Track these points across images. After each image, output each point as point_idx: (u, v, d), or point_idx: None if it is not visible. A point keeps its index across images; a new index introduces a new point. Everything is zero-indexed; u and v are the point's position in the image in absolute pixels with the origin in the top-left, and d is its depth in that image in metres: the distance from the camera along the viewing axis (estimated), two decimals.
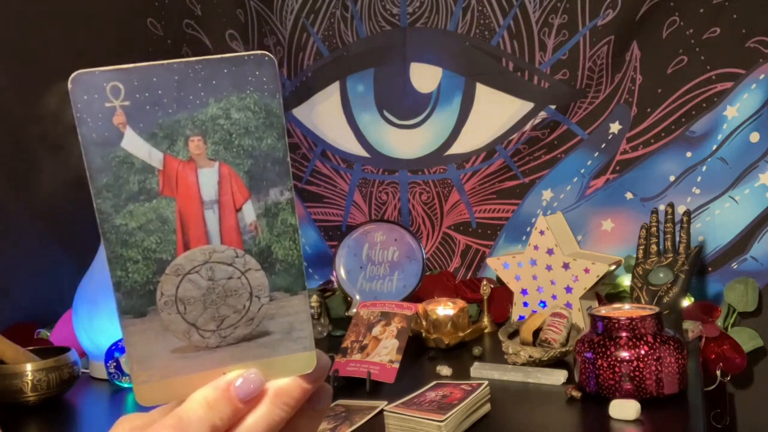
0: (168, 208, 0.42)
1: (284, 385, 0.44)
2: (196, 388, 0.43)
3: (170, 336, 0.43)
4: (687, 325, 1.67)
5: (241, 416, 0.43)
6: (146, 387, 0.43)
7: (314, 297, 1.91)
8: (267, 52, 0.42)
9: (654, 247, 1.73)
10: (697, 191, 1.83)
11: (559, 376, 1.42)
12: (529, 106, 1.92)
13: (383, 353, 1.46)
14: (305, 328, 0.45)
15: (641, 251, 1.75)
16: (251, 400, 0.43)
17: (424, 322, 1.74)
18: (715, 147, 1.81)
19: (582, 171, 1.92)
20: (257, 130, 0.42)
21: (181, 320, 0.43)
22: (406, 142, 2.04)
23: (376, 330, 1.52)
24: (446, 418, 1.14)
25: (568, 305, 1.73)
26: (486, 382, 1.29)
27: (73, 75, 0.41)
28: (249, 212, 0.43)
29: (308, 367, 0.46)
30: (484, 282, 1.87)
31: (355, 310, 1.74)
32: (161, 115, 0.41)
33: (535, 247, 1.78)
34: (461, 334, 1.71)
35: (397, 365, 1.43)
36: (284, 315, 0.44)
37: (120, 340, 1.56)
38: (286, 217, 0.43)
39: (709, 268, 1.83)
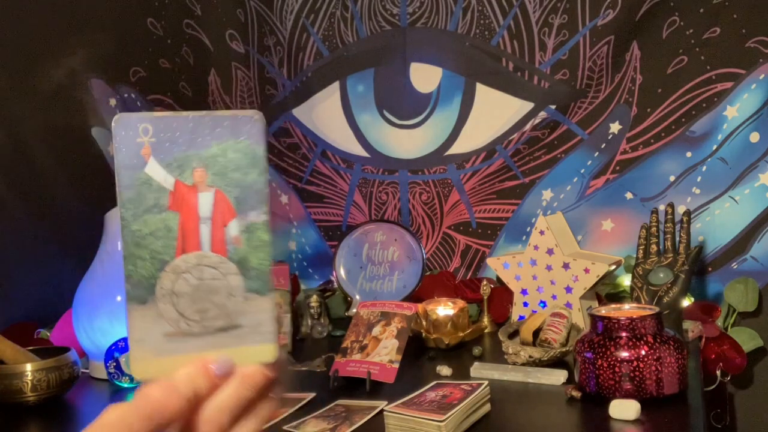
0: (173, 220, 0.55)
1: (251, 370, 0.54)
2: (181, 367, 0.54)
3: (163, 322, 0.55)
4: (687, 325, 1.67)
5: (215, 390, 0.53)
6: (141, 363, 0.55)
7: (314, 297, 1.91)
8: (258, 112, 0.56)
9: (654, 247, 1.73)
10: (697, 191, 1.83)
11: (559, 376, 1.42)
12: (529, 106, 1.92)
13: (383, 353, 1.46)
14: (270, 325, 0.56)
15: (641, 251, 1.75)
16: (224, 377, 0.53)
17: (424, 322, 1.74)
18: (715, 147, 1.81)
19: (582, 171, 1.92)
20: (245, 168, 0.56)
21: (173, 310, 0.55)
22: (406, 142, 2.04)
23: (376, 330, 1.52)
24: (446, 418, 1.14)
25: (568, 305, 1.73)
26: (486, 382, 1.29)
27: (117, 116, 0.54)
28: (234, 228, 0.56)
29: (270, 357, 0.56)
30: (484, 282, 1.87)
31: (355, 310, 1.74)
32: (176, 150, 0.55)
33: (535, 247, 1.78)
34: (461, 334, 1.71)
35: (397, 365, 1.43)
36: (254, 312, 0.56)
37: (120, 340, 1.56)
38: (261, 234, 0.56)
39: (709, 268, 1.83)
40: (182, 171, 0.55)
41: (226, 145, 0.55)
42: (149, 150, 0.55)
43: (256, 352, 0.55)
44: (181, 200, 0.55)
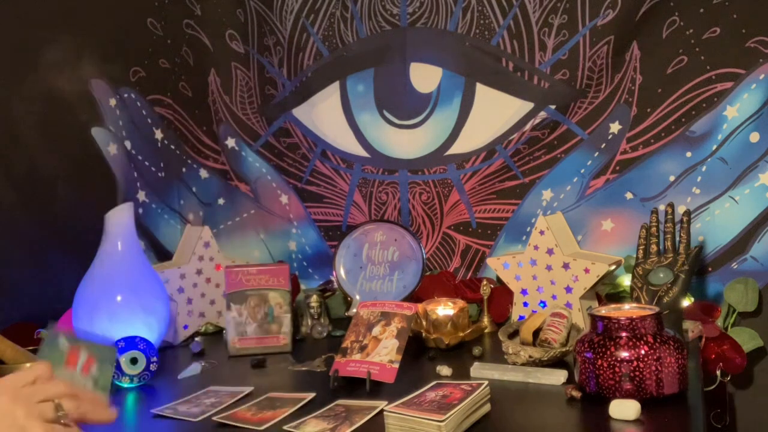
0: None
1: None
2: None
3: None
4: (687, 325, 1.67)
5: None
6: None
7: (314, 297, 1.91)
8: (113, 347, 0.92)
9: (654, 247, 1.73)
10: (697, 191, 1.83)
11: (559, 376, 1.42)
12: (529, 106, 1.92)
13: (383, 353, 1.46)
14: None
15: (641, 251, 1.75)
16: None
17: (424, 322, 1.74)
18: (715, 147, 1.81)
19: (582, 171, 1.92)
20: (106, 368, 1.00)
21: None
22: (406, 142, 2.04)
23: (376, 330, 1.52)
24: (446, 418, 1.14)
25: (568, 305, 1.73)
26: (486, 382, 1.29)
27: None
28: (94, 368, 1.00)
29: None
30: (484, 282, 1.87)
31: (355, 310, 1.74)
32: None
33: (535, 247, 1.78)
34: (461, 334, 1.71)
35: (397, 365, 1.43)
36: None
37: (119, 341, 1.56)
38: (106, 375, 1.01)
39: (709, 268, 1.83)
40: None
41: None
42: None
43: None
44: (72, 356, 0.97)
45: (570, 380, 1.41)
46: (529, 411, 1.33)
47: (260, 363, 1.67)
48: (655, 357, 1.26)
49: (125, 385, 1.55)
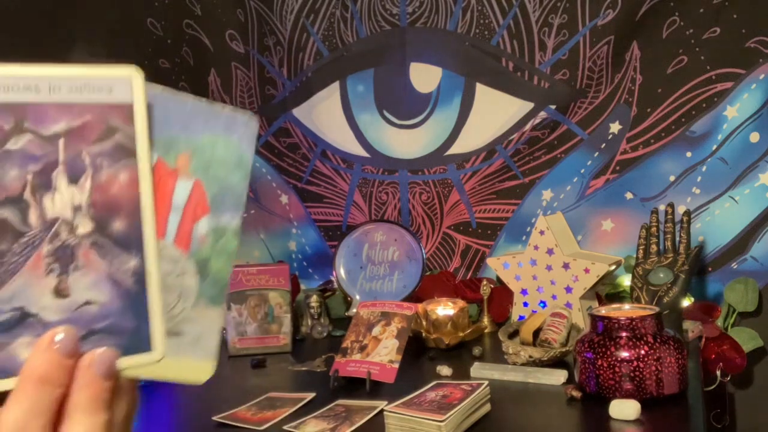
0: None
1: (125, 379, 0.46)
2: None
3: None
4: (687, 325, 1.67)
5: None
6: None
7: (314, 297, 1.91)
8: (255, 116, 0.52)
9: (654, 247, 1.73)
10: (697, 191, 1.83)
11: (559, 376, 1.42)
12: (529, 106, 1.92)
13: (383, 353, 1.46)
14: (214, 339, 0.50)
15: (641, 251, 1.75)
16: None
17: (424, 322, 1.74)
18: (715, 147, 1.81)
19: (582, 171, 1.92)
20: (229, 167, 0.51)
21: None
22: (406, 142, 2.04)
23: (376, 330, 1.52)
24: (446, 418, 1.14)
25: (568, 305, 1.73)
26: (486, 382, 1.29)
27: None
28: (203, 226, 0.50)
29: (205, 377, 0.50)
30: (484, 282, 1.87)
31: (355, 310, 1.74)
32: (167, 130, 0.49)
33: (535, 247, 1.78)
34: (461, 334, 1.71)
35: (397, 365, 1.43)
36: (200, 322, 0.49)
37: None
38: (229, 238, 0.51)
39: (709, 268, 1.83)
40: (167, 152, 0.50)
41: (216, 138, 0.51)
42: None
43: (191, 368, 0.49)
44: (158, 181, 0.49)
45: (570, 380, 1.41)
46: (529, 411, 1.33)
47: (260, 363, 1.67)
48: (655, 357, 1.26)
49: None
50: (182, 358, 0.49)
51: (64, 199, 0.44)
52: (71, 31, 1.89)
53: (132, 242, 0.45)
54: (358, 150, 2.08)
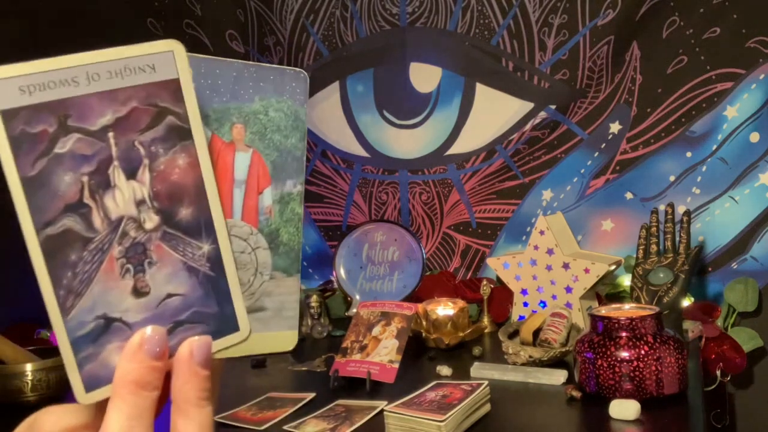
0: None
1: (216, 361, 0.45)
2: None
3: None
4: (687, 325, 1.67)
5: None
6: None
7: (314, 297, 1.91)
8: (303, 71, 0.50)
9: (654, 247, 1.73)
10: (697, 191, 1.83)
11: (559, 376, 1.42)
12: (529, 106, 1.92)
13: (383, 353, 1.46)
14: (294, 308, 0.49)
15: (641, 251, 1.75)
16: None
17: (424, 322, 1.74)
18: (715, 147, 1.81)
19: (582, 171, 1.92)
20: (285, 129, 0.49)
21: None
22: (406, 142, 2.04)
23: (376, 330, 1.52)
24: (446, 418, 1.14)
25: (568, 305, 1.73)
26: (486, 382, 1.29)
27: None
28: (267, 197, 0.49)
29: (290, 346, 0.49)
30: (484, 282, 1.87)
31: (355, 310, 1.74)
32: (216, 101, 0.47)
33: (535, 247, 1.78)
34: (461, 334, 1.71)
35: (397, 365, 1.43)
36: (279, 294, 0.49)
37: None
38: (295, 206, 0.50)
39: (709, 268, 1.83)
40: (220, 125, 0.48)
41: (268, 102, 0.48)
42: None
43: (277, 339, 0.49)
44: (216, 158, 0.47)
45: (570, 380, 1.41)
46: (529, 411, 1.33)
47: (260, 363, 1.67)
48: (655, 357, 1.26)
49: None
50: (267, 331, 0.49)
51: (126, 195, 0.41)
52: (71, 32, 1.89)
53: (201, 227, 0.43)
54: (358, 150, 2.08)
